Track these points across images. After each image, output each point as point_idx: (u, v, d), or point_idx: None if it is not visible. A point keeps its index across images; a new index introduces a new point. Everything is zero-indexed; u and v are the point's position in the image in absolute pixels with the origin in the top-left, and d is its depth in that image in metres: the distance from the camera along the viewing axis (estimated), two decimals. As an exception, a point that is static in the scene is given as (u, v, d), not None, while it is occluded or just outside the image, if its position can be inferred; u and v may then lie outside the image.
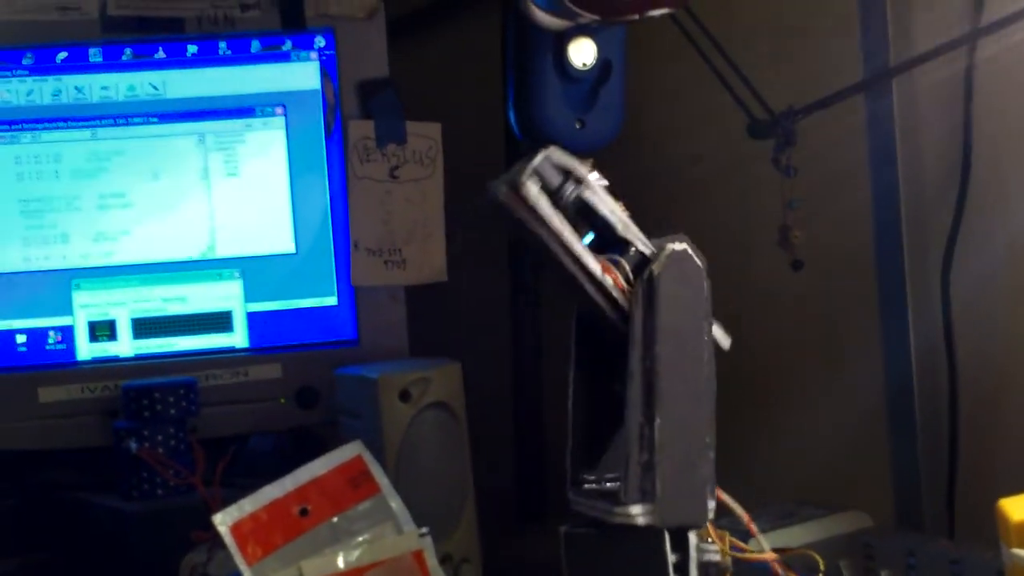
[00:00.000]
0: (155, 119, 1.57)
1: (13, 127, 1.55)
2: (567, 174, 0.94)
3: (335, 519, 1.11)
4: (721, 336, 1.00)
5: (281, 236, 1.60)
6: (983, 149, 1.33)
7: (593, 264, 0.95)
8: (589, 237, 0.96)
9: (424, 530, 1.13)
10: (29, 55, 1.54)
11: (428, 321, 1.64)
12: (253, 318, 1.61)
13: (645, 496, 0.96)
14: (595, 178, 0.95)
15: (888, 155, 1.36)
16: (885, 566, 1.28)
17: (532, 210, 0.93)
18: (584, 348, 1.02)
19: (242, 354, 1.60)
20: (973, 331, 1.36)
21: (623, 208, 0.96)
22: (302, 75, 1.58)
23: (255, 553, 1.06)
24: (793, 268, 1.39)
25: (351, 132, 1.56)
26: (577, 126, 1.10)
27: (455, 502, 1.52)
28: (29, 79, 1.55)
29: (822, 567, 1.06)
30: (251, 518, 1.07)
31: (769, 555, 1.04)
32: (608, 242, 0.96)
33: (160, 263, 1.58)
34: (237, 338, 1.61)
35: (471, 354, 1.56)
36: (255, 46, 1.57)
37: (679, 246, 0.96)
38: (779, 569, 1.05)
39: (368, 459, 1.13)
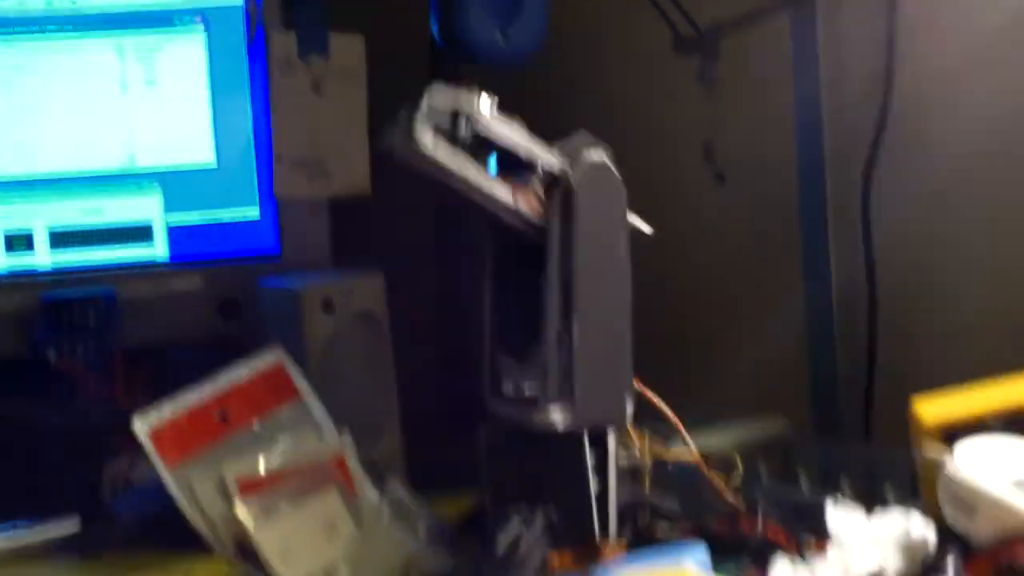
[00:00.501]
0: (71, 28, 1.54)
1: (-73, 35, 1.52)
2: (455, 113, 0.94)
3: (255, 424, 1.11)
4: (642, 224, 1.01)
5: (201, 148, 1.58)
6: (906, 62, 1.35)
7: (503, 193, 0.96)
8: (493, 162, 0.97)
9: (345, 435, 1.14)
10: (-59, -38, 1.51)
11: (352, 233, 1.64)
12: (173, 231, 1.59)
13: (564, 399, 0.98)
14: (486, 105, 0.95)
15: (811, 68, 1.37)
16: (803, 468, 1.31)
17: (431, 160, 0.93)
18: (501, 259, 1.02)
19: (163, 267, 1.59)
20: (894, 240, 1.38)
21: (522, 126, 0.96)
22: (222, -16, 1.56)
23: (174, 458, 1.07)
24: (716, 181, 1.40)
25: (273, 44, 1.54)
26: (499, 39, 1.10)
27: (379, 411, 1.53)
28: (-58, -13, 1.51)
29: (739, 467, 1.08)
30: (170, 423, 1.07)
31: (691, 455, 1.06)
32: (515, 162, 0.97)
33: (78, 175, 1.56)
34: (158, 250, 1.60)
35: (396, 266, 1.57)
36: (174, -45, 1.55)
37: (597, 158, 0.97)
38: (705, 469, 1.07)
39: (288, 365, 1.13)
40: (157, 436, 1.06)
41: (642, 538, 1.01)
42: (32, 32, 1.53)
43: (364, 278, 1.50)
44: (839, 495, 1.17)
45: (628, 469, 1.02)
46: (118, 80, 1.55)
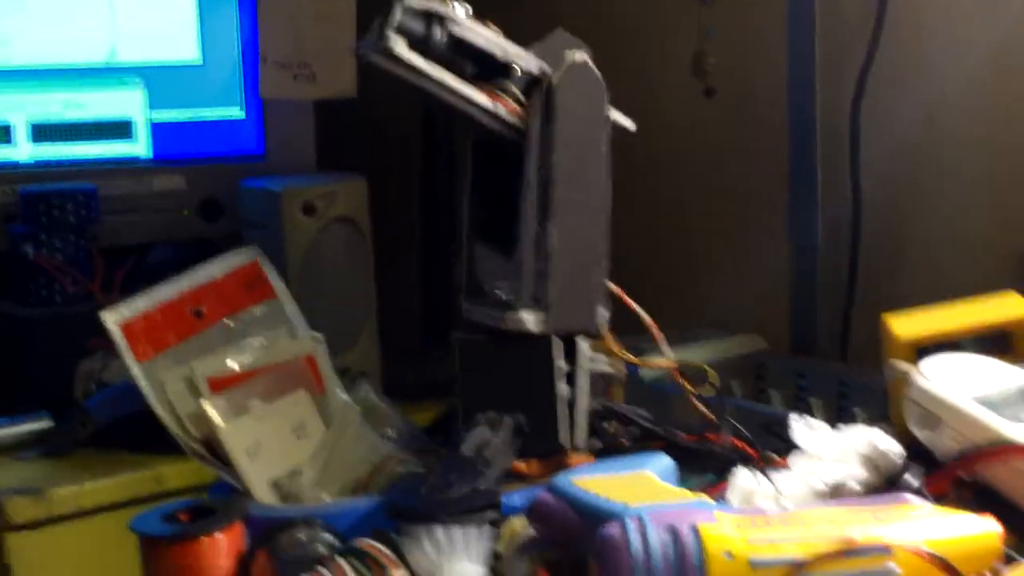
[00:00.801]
0: (56, -83, 1.51)
1: (-94, -81, 1.49)
2: (429, 17, 0.92)
3: (229, 321, 1.10)
4: (625, 120, 1.00)
5: (187, 45, 1.56)
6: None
7: (481, 98, 0.94)
8: (470, 67, 0.95)
9: (318, 335, 1.12)
10: None
11: (338, 136, 1.62)
12: (157, 128, 1.58)
13: (537, 303, 0.96)
14: (460, 10, 0.93)
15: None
16: (776, 386, 1.31)
17: (407, 67, 0.91)
18: (481, 162, 1.01)
19: (145, 164, 1.58)
20: (881, 163, 1.37)
21: (495, 29, 0.94)
22: None
23: (145, 352, 1.05)
24: (706, 95, 1.38)
25: (260, -60, 1.51)
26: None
27: (357, 316, 1.52)
28: None
29: (711, 379, 1.07)
30: (143, 317, 1.06)
31: (666, 363, 1.05)
32: (493, 67, 0.95)
33: (60, 68, 1.54)
34: (140, 147, 1.58)
35: (381, 171, 1.55)
36: None
37: (580, 58, 0.95)
38: (678, 377, 1.06)
39: (264, 264, 1.12)
40: (128, 329, 1.04)
41: (612, 447, 1.00)
42: (16, -80, 1.51)
43: (347, 183, 1.49)
44: (809, 412, 1.17)
45: (601, 377, 1.01)
46: (102, -28, 1.53)
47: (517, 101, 0.95)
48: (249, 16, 1.55)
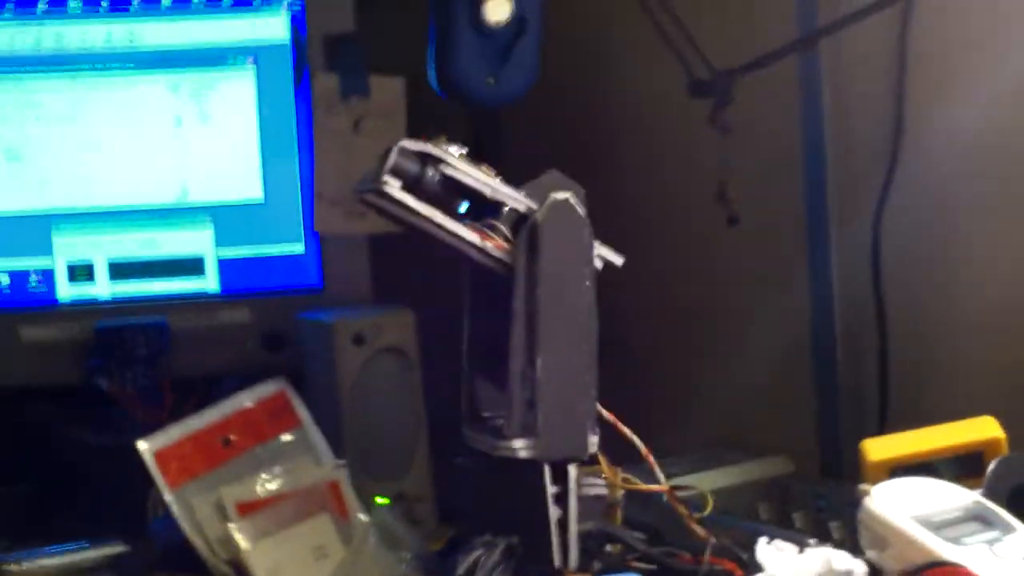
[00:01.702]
0: (131, 66, 1.63)
1: (-4, 73, 1.62)
2: (424, 158, 0.99)
3: (257, 449, 1.17)
4: (612, 256, 1.05)
5: (250, 184, 1.66)
6: (914, 107, 1.36)
7: (471, 235, 1.01)
8: (465, 205, 1.02)
9: (341, 462, 1.19)
10: (10, 4, 1.61)
11: (393, 268, 1.70)
12: (224, 264, 1.67)
13: (527, 431, 1.02)
14: (454, 152, 1.00)
15: (816, 112, 1.39)
16: (800, 508, 1.33)
17: (400, 206, 0.98)
18: (480, 294, 1.07)
19: (213, 298, 1.67)
20: (901, 289, 1.40)
21: (489, 171, 1.01)
22: (272, 27, 1.64)
23: (177, 478, 1.13)
24: (729, 224, 1.43)
25: (316, 85, 1.61)
26: (490, 81, 1.15)
27: (408, 443, 1.58)
28: (11, 25, 1.61)
29: (710, 506, 1.11)
30: (176, 445, 1.14)
31: (661, 487, 1.09)
32: (483, 206, 1.02)
33: (135, 208, 1.65)
34: (209, 282, 1.67)
35: (430, 303, 1.62)
36: None
37: (561, 196, 1.01)
38: (673, 500, 1.10)
39: (291, 394, 1.19)
40: (162, 457, 1.12)
41: (610, 569, 1.04)
42: (93, 69, 1.63)
43: (394, 314, 1.56)
44: (827, 534, 1.19)
45: (595, 500, 1.06)
46: (173, 117, 1.64)
47: (505, 238, 1.01)
48: (308, 155, 1.64)
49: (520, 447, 1.01)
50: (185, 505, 1.12)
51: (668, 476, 1.30)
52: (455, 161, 1.00)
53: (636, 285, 1.64)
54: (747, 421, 1.52)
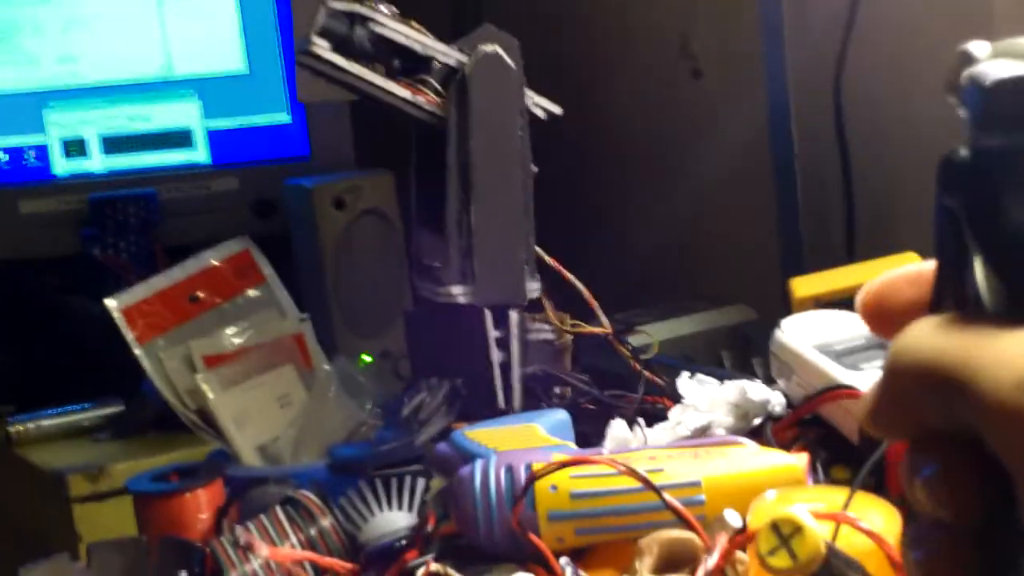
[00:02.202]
0: (110, -53, 1.66)
1: (-20, -44, 1.66)
2: (353, 18, 1.02)
3: (224, 305, 1.22)
4: (550, 105, 1.08)
5: (234, 56, 1.70)
6: None
7: (401, 91, 1.04)
8: (397, 63, 1.05)
9: (304, 315, 1.24)
10: None
11: (374, 134, 1.73)
12: (213, 135, 1.71)
13: (465, 278, 1.06)
14: (383, 10, 1.03)
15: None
16: (761, 354, 1.37)
17: (330, 65, 1.01)
18: (423, 151, 1.11)
19: (203, 168, 1.72)
20: (864, 125, 1.41)
21: (417, 27, 1.04)
22: (247, -101, 1.67)
23: (146, 334, 1.18)
24: (693, 76, 1.45)
25: (291, -47, 1.64)
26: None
27: (392, 302, 1.63)
28: (-8, -90, 1.65)
29: (655, 349, 1.15)
30: (143, 303, 1.19)
31: (601, 330, 1.13)
32: (418, 63, 1.05)
33: (122, 83, 1.69)
34: (199, 153, 1.72)
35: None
36: None
37: (490, 48, 1.04)
38: (616, 344, 1.14)
39: (255, 252, 1.24)
40: (130, 314, 1.18)
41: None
42: (75, -48, 1.66)
43: (375, 177, 1.60)
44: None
45: (544, 345, 1.10)
46: (153, -8, 1.67)
47: (436, 92, 1.05)
48: (289, 26, 1.67)
49: (458, 293, 1.05)
50: (154, 359, 1.18)
51: (632, 325, 1.35)
52: (384, 19, 1.03)
53: (604, 137, 1.67)
54: (715, 271, 1.55)
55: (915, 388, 0.38)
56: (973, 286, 0.39)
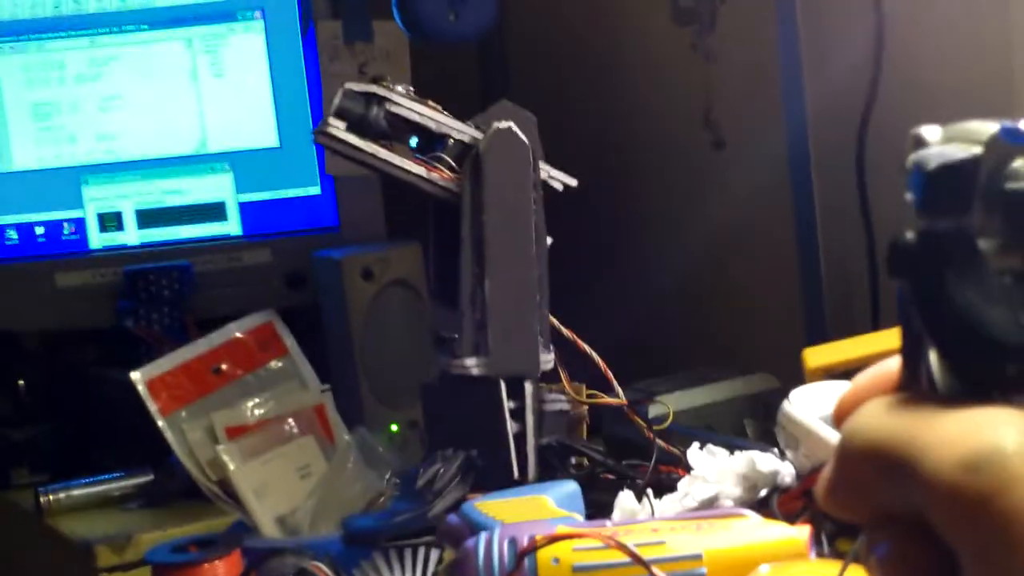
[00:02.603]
0: (146, 26, 1.70)
1: (20, 38, 1.70)
2: (368, 97, 1.04)
3: (246, 377, 1.24)
4: (566, 178, 1.10)
5: (266, 131, 1.73)
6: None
7: (417, 168, 1.06)
8: (415, 140, 1.07)
9: (325, 387, 1.25)
10: (30, -29, 1.69)
11: (405, 206, 1.76)
12: (245, 207, 1.74)
13: (479, 350, 1.07)
14: (399, 90, 1.05)
15: (792, 35, 1.41)
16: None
17: (346, 145, 1.04)
18: (440, 226, 1.12)
19: (236, 240, 1.74)
20: (888, 210, 1.42)
21: (433, 106, 1.06)
22: (278, -20, 1.70)
23: (169, 405, 1.20)
24: (715, 147, 1.46)
25: (320, 32, 1.67)
26: (451, 19, 1.20)
27: (419, 372, 1.64)
28: (32, -7, 1.70)
29: (670, 419, 1.16)
30: (167, 375, 1.21)
31: (616, 401, 1.14)
32: (434, 140, 1.07)
33: (158, 158, 1.73)
34: (231, 226, 1.75)
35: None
36: (234, -44, 1.70)
37: (504, 125, 1.06)
38: (631, 415, 1.15)
39: (278, 324, 1.25)
40: (153, 386, 1.20)
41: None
42: (112, 31, 1.70)
43: (402, 248, 1.62)
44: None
45: (559, 416, 1.11)
46: (188, 70, 1.71)
47: (451, 168, 1.07)
48: (318, 101, 1.70)
49: (472, 365, 1.06)
50: (177, 430, 1.19)
51: (653, 393, 1.35)
52: (399, 99, 1.05)
53: (627, 206, 1.68)
54: (740, 339, 1.56)
55: (866, 469, 0.39)
56: (928, 367, 0.39)
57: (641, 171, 1.55)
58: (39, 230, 1.74)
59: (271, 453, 1.18)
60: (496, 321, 1.06)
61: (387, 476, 1.20)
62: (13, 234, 1.73)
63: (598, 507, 1.00)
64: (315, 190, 1.74)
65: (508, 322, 1.06)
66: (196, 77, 1.71)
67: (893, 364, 0.40)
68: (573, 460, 1.13)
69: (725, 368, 1.46)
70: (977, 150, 0.39)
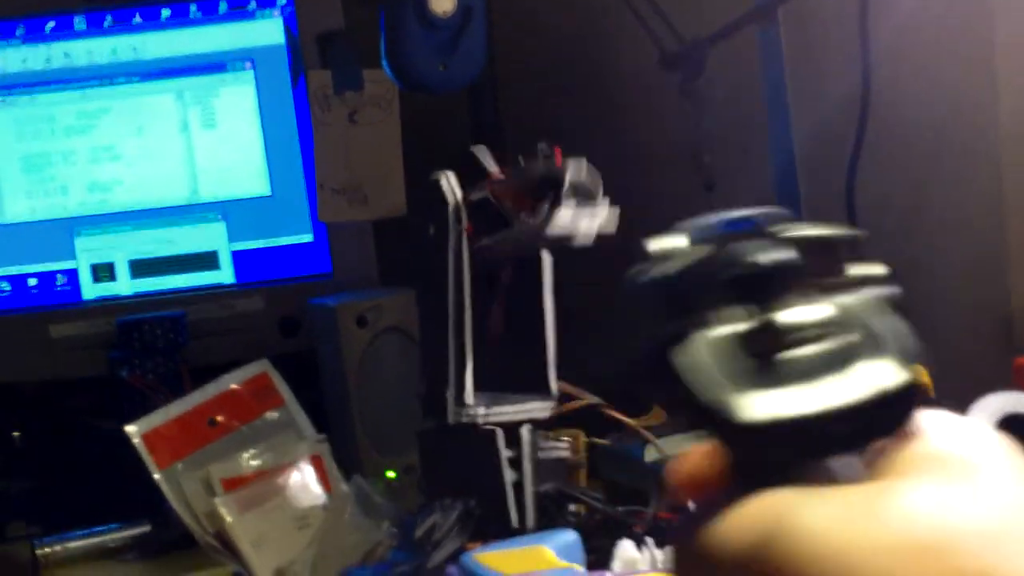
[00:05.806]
0: (136, 78, 1.71)
1: (12, 91, 1.71)
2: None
3: (242, 428, 1.24)
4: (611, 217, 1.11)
5: (258, 180, 1.73)
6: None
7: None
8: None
9: (321, 436, 1.25)
10: (21, 26, 1.70)
11: (398, 252, 1.76)
12: (237, 256, 1.75)
13: (476, 399, 1.07)
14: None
15: (778, 78, 1.42)
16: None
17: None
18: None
19: (229, 289, 1.75)
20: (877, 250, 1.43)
21: None
22: (267, 31, 1.71)
23: (165, 459, 1.20)
24: (705, 189, 1.47)
25: (311, 82, 1.68)
26: (440, 69, 1.21)
27: (414, 417, 1.64)
28: (23, 47, 1.70)
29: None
30: (163, 427, 1.21)
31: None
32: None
33: (150, 209, 1.73)
34: (224, 275, 1.75)
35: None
36: (223, 7, 1.71)
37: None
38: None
39: (273, 375, 1.26)
40: (149, 440, 1.20)
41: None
42: (103, 83, 1.71)
43: (396, 295, 1.62)
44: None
45: (557, 463, 1.11)
46: (179, 122, 1.72)
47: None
48: (310, 148, 1.71)
49: (472, 414, 1.07)
50: (174, 483, 1.19)
51: (656, 438, 1.35)
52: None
53: (619, 250, 1.68)
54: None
55: None
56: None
57: (632, 213, 1.55)
58: (32, 281, 1.74)
59: (268, 504, 1.18)
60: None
61: (384, 524, 1.20)
62: (6, 286, 1.74)
63: (599, 554, 1.00)
64: (308, 237, 1.75)
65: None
66: (187, 128, 1.72)
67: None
68: (572, 507, 1.14)
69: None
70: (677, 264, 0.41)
